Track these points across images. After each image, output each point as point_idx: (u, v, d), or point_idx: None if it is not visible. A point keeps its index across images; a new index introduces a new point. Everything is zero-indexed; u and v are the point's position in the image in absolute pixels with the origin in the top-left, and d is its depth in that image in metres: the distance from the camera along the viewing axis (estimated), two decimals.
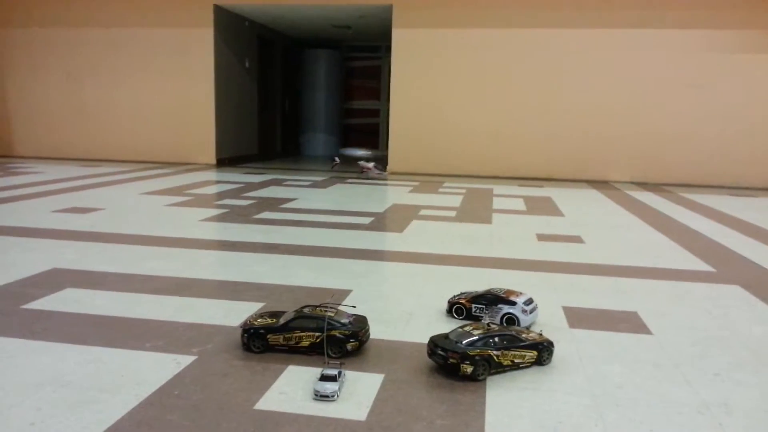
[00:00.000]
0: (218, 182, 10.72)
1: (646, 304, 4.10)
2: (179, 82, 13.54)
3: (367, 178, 9.32)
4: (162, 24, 13.42)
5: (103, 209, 7.40)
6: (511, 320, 3.52)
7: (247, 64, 14.99)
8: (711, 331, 3.65)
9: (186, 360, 3.00)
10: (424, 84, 12.83)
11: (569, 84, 12.34)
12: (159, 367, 2.91)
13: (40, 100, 14.22)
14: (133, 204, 8.01)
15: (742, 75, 11.78)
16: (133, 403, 2.55)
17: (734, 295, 4.45)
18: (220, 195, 9.13)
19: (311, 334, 3.06)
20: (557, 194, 10.07)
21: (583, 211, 8.54)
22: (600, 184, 11.77)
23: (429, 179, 11.87)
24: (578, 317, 3.81)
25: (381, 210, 8.07)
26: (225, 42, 13.73)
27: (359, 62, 18.92)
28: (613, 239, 6.53)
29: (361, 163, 9.67)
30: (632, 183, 12.15)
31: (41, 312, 3.64)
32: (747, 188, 11.76)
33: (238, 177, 11.40)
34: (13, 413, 2.45)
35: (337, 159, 10.43)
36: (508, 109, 12.63)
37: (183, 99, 13.57)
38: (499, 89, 12.60)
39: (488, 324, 3.11)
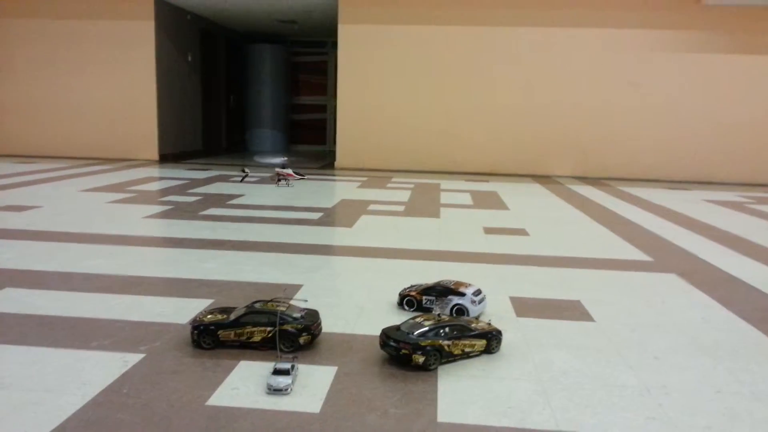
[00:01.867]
0: (162, 178, 10.47)
1: (588, 293, 4.25)
2: (119, 76, 13.14)
3: (287, 186, 9.12)
4: (101, 16, 12.99)
5: (41, 207, 7.12)
6: (461, 311, 3.59)
7: (189, 59, 14.67)
8: (650, 317, 3.81)
9: (134, 358, 2.94)
10: (371, 80, 12.86)
11: (512, 81, 12.60)
12: (105, 367, 2.84)
13: None
14: (73, 201, 7.74)
15: (678, 73, 12.29)
16: (79, 403, 2.48)
17: (671, 283, 4.66)
18: (164, 191, 8.92)
19: (263, 329, 3.05)
20: (502, 189, 10.28)
21: (528, 204, 8.75)
22: (543, 179, 12.08)
23: (377, 174, 11.92)
24: (525, 307, 3.91)
25: (330, 205, 8.06)
26: (166, 35, 13.40)
27: (306, 57, 18.78)
28: (556, 232, 6.72)
29: (278, 170, 9.32)
30: (573, 177, 12.51)
31: None
32: (681, 182, 12.29)
33: (182, 173, 11.16)
34: None
35: (246, 170, 9.95)
36: (454, 106, 12.80)
37: (123, 93, 13.18)
38: (445, 86, 12.75)
39: (439, 315, 3.17)
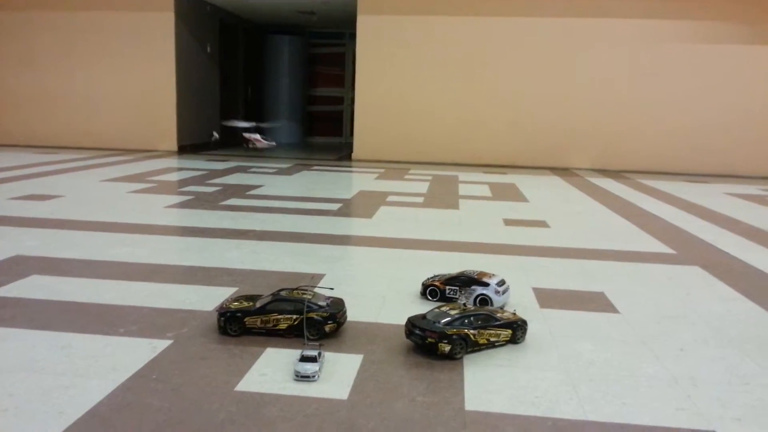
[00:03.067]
0: (181, 169, 10.54)
1: (611, 285, 4.22)
2: (139, 68, 13.22)
3: (255, 150, 8.86)
4: (121, 7, 13.06)
5: (63, 196, 7.20)
6: (485, 301, 3.58)
7: (209, 50, 14.71)
8: (674, 309, 3.78)
9: (162, 344, 2.97)
10: (389, 71, 12.83)
11: (532, 73, 12.50)
12: (134, 352, 2.87)
13: None
14: (94, 191, 7.82)
15: (698, 65, 12.13)
16: (110, 387, 2.52)
17: (694, 275, 4.61)
18: (184, 182, 8.98)
19: (289, 316, 3.06)
20: (521, 181, 10.22)
21: (547, 197, 8.70)
22: (562, 171, 11.99)
23: (394, 166, 11.90)
24: (548, 298, 3.90)
25: (348, 196, 8.07)
26: (186, 26, 13.45)
27: (323, 49, 18.75)
28: (577, 224, 6.68)
29: (247, 135, 9.08)
30: (593, 170, 12.41)
31: (7, 299, 3.54)
32: (702, 174, 12.14)
33: (201, 164, 11.22)
34: None
35: (215, 134, 9.67)
36: (472, 97, 12.73)
37: (143, 85, 13.26)
38: (463, 77, 12.68)
39: (464, 304, 3.16)
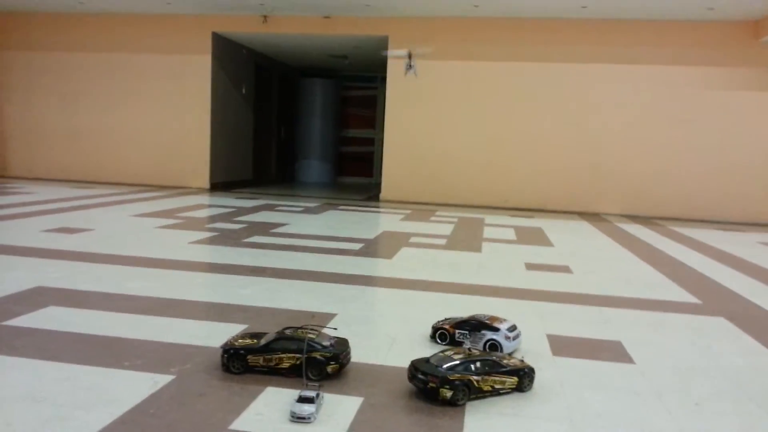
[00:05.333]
0: (210, 206, 10.72)
1: (630, 334, 4.09)
2: (175, 107, 13.64)
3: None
4: (160, 50, 13.58)
5: (92, 230, 7.38)
6: (494, 346, 3.51)
7: (243, 91, 15.12)
8: (693, 361, 3.64)
9: (164, 379, 2.98)
10: (418, 114, 12.96)
11: (562, 117, 12.48)
12: (135, 386, 2.88)
13: (36, 122, 14.27)
14: (123, 226, 8.00)
15: (731, 110, 11.95)
16: (106, 420, 2.52)
17: (719, 326, 4.45)
18: (212, 218, 9.12)
19: (292, 355, 3.04)
20: (548, 225, 10.11)
21: (573, 242, 8.57)
22: (591, 217, 11.82)
23: (421, 207, 11.91)
24: (562, 345, 3.79)
25: (371, 236, 8.08)
26: (222, 69, 13.88)
27: (355, 91, 19.12)
28: (601, 270, 6.54)
29: None
30: (623, 216, 12.20)
31: (21, 329, 3.61)
32: (737, 223, 11.82)
33: (230, 201, 11.41)
34: None
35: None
36: (500, 140, 12.75)
37: (179, 123, 13.65)
38: (492, 120, 12.73)
39: (469, 349, 3.10)
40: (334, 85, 18.55)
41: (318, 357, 3.02)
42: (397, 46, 12.83)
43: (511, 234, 8.85)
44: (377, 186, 13.58)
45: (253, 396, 2.84)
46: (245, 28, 13.34)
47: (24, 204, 9.50)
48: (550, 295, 5.15)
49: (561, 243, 8.23)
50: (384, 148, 13.26)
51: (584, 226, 10.33)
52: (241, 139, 15.36)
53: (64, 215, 8.50)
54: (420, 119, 12.96)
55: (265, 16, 13.06)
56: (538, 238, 8.60)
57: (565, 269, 6.34)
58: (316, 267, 5.83)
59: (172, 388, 2.88)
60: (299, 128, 18.45)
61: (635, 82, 12.16)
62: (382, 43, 13.01)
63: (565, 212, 12.36)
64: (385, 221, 10.02)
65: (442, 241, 7.84)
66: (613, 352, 3.72)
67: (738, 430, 2.73)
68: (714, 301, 5.28)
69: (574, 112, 12.43)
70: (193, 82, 13.49)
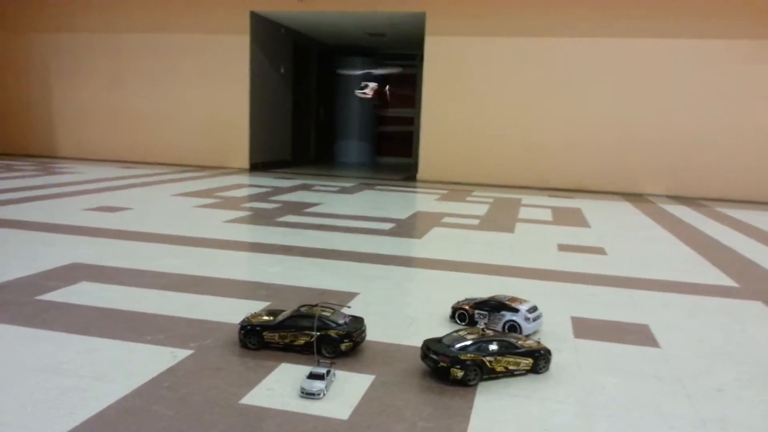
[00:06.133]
0: (248, 186, 10.87)
1: (658, 317, 3.98)
2: (215, 88, 13.82)
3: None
4: (200, 30, 13.73)
5: (132, 209, 7.58)
6: (513, 327, 3.46)
7: (282, 71, 15.20)
8: (722, 346, 3.52)
9: (182, 354, 3.05)
10: (456, 92, 12.80)
11: (604, 94, 12.13)
12: (155, 360, 2.96)
13: (82, 103, 14.68)
14: (162, 205, 8.19)
15: None
16: (123, 392, 2.60)
17: (755, 311, 4.29)
18: (248, 198, 9.25)
19: (306, 333, 3.07)
20: (587, 206, 9.88)
21: (611, 223, 8.36)
22: (633, 197, 11.50)
23: (458, 188, 11.81)
24: (585, 328, 3.72)
25: (404, 216, 8.06)
26: (261, 48, 13.96)
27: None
28: (637, 252, 6.37)
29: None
30: (667, 196, 11.84)
31: (53, 303, 3.74)
32: None
33: (268, 181, 11.54)
34: (9, 396, 2.53)
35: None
36: (540, 119, 12.49)
37: (219, 104, 13.84)
38: (531, 98, 12.47)
39: (483, 329, 3.07)
40: (373, 64, 18.43)
41: (332, 334, 3.04)
42: (435, 24, 12.69)
43: (547, 215, 8.69)
44: (416, 166, 13.51)
45: (267, 372, 2.88)
46: (283, 6, 13.36)
47: (69, 183, 9.82)
48: (580, 277, 5.05)
49: (598, 224, 8.05)
50: (421, 128, 13.16)
51: (625, 207, 10.07)
52: (281, 120, 15.48)
53: (106, 194, 8.75)
54: (457, 98, 12.80)
55: None
56: (575, 218, 8.43)
57: (599, 251, 6.20)
58: (344, 246, 5.86)
59: (190, 363, 2.95)
60: (338, 108, 18.47)
61: (680, 59, 11.69)
62: (420, 21, 12.86)
63: (607, 192, 12.06)
64: (420, 201, 9.98)
65: (475, 222, 7.76)
66: (638, 335, 3.63)
67: (760, 416, 2.63)
68: (753, 285, 5.08)
69: (618, 89, 12.05)
70: (233, 62, 13.62)
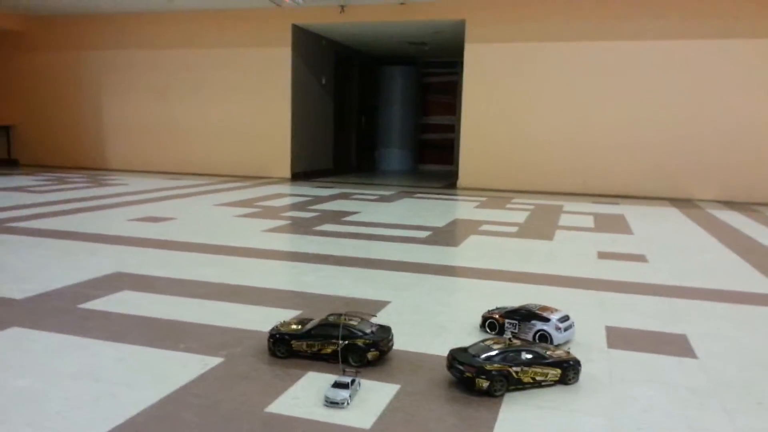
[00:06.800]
0: (288, 195, 11.03)
1: (698, 327, 3.86)
2: (258, 99, 14.09)
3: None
4: (242, 44, 14.04)
5: (175, 219, 7.79)
6: (544, 337, 3.41)
7: (323, 82, 15.38)
8: (765, 358, 3.38)
9: (213, 361, 3.11)
10: (496, 98, 12.70)
11: (648, 95, 11.84)
12: (186, 367, 3.03)
13: (131, 117, 15.18)
14: (204, 215, 8.39)
15: None
16: (153, 399, 2.67)
17: None
18: (288, 207, 9.38)
19: (333, 341, 3.10)
20: (632, 212, 9.65)
21: (655, 229, 8.14)
22: (681, 203, 11.17)
23: (499, 195, 11.70)
24: (620, 337, 3.63)
25: (441, 224, 8.03)
26: (302, 60, 14.18)
27: (436, 78, 18.98)
28: (680, 259, 6.18)
29: None
30: (718, 202, 11.45)
31: (94, 311, 3.88)
32: None
33: (308, 190, 11.68)
34: (44, 401, 2.63)
35: None
36: (582, 124, 12.27)
37: (261, 115, 14.10)
38: (572, 103, 12.27)
39: (510, 339, 3.03)
40: (414, 72, 18.50)
41: (358, 343, 3.06)
42: (475, 31, 12.65)
43: (588, 221, 8.53)
44: (457, 173, 13.46)
45: (294, 380, 2.91)
46: (323, 18, 13.54)
47: (116, 195, 10.15)
48: (618, 285, 4.94)
49: (641, 231, 7.85)
50: (461, 135, 13.11)
51: (671, 213, 9.79)
52: (322, 129, 15.66)
53: (151, 205, 9.02)
54: (498, 104, 12.70)
55: (342, 6, 13.19)
56: (617, 225, 8.24)
57: (640, 258, 6.04)
58: (379, 255, 5.88)
59: (220, 370, 3.01)
60: (379, 116, 18.57)
61: (729, 59, 11.32)
62: (461, 29, 12.83)
63: (654, 198, 11.76)
64: (459, 209, 9.93)
65: (514, 229, 7.68)
66: (675, 345, 3.52)
67: None
68: None
69: (663, 92, 11.75)
70: (275, 74, 13.87)
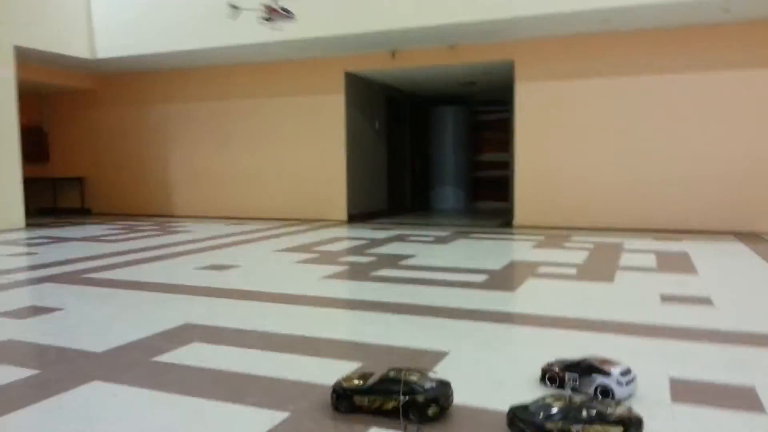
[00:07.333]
0: (346, 238, 11.25)
1: None
2: (314, 145, 14.54)
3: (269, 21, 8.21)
4: (298, 93, 14.58)
5: (239, 266, 8.09)
6: (606, 392, 3.40)
7: (377, 126, 15.74)
8: None
9: (280, 416, 3.24)
10: (549, 135, 12.70)
11: (709, 127, 11.59)
12: (254, 422, 3.16)
13: (195, 165, 15.89)
14: (266, 261, 8.66)
15: None
16: None
17: None
18: (346, 252, 9.58)
19: (395, 397, 3.18)
20: (696, 249, 9.40)
21: (721, 268, 7.91)
22: (748, 237, 10.80)
23: (556, 233, 11.60)
24: (684, 390, 3.57)
25: (498, 267, 8.03)
26: (355, 105, 14.58)
27: (487, 116, 19.13)
28: (748, 302, 6.00)
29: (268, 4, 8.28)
30: None
31: (166, 365, 4.09)
32: None
33: (365, 233, 11.88)
34: None
35: (235, 5, 8.41)
36: (640, 157, 12.09)
37: (317, 160, 14.52)
38: (629, 136, 12.13)
39: (570, 396, 3.04)
40: (465, 111, 18.69)
41: (418, 399, 3.13)
42: (524, 70, 12.76)
43: (650, 260, 8.36)
44: (512, 211, 13.43)
45: None
46: (375, 65, 13.96)
47: (183, 243, 10.60)
48: (683, 333, 4.84)
49: (707, 270, 7.64)
50: (516, 173, 13.12)
51: (738, 248, 9.48)
52: (376, 171, 15.95)
53: (215, 252, 9.38)
54: (551, 140, 12.69)
55: (393, 52, 13.57)
56: (681, 264, 8.05)
57: (706, 301, 5.89)
58: (437, 301, 5.95)
59: (287, 426, 3.13)
60: (432, 156, 18.77)
61: None
62: (510, 68, 12.97)
63: (718, 232, 11.41)
64: (516, 249, 9.90)
65: (573, 271, 7.61)
66: (742, 399, 3.44)
67: None
68: None
69: (725, 122, 11.49)
70: (329, 120, 14.31)
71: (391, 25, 11.80)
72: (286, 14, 9.33)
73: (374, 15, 11.86)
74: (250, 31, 12.47)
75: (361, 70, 14.29)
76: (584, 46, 12.28)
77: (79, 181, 17.22)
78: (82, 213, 17.04)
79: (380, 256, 8.89)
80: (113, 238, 11.36)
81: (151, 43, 13.86)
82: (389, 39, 12.58)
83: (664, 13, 10.66)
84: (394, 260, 8.46)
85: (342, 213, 14.38)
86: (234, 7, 9.56)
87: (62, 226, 13.83)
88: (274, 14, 9.15)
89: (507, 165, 18.67)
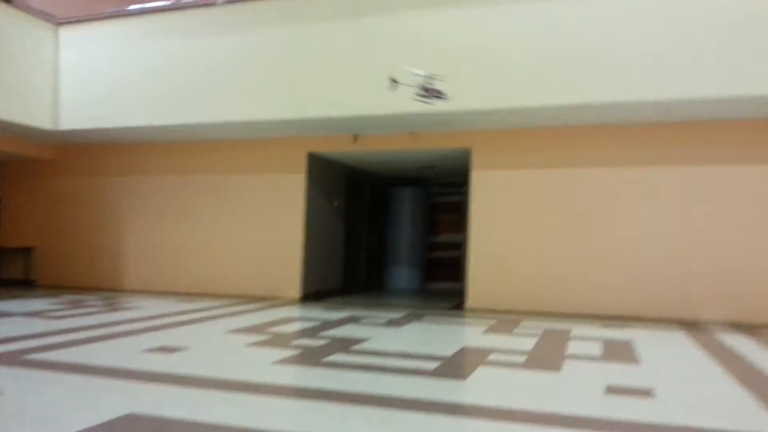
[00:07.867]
0: (299, 319, 11.19)
1: None
2: (271, 222, 14.64)
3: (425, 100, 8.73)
4: (259, 170, 14.80)
5: (189, 348, 7.95)
6: None
7: (335, 204, 15.99)
8: None
9: None
10: (503, 221, 13.13)
11: (655, 219, 12.21)
12: None
13: (147, 238, 15.72)
14: (217, 343, 8.54)
15: None
16: None
17: None
18: (298, 334, 9.53)
19: None
20: (640, 337, 9.70)
21: (662, 358, 8.17)
22: (689, 325, 11.21)
23: (507, 317, 11.80)
24: None
25: (449, 353, 8.11)
26: (316, 184, 14.85)
27: (443, 198, 19.66)
28: (686, 394, 6.21)
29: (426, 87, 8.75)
30: (726, 323, 11.48)
31: None
32: None
33: (318, 314, 11.85)
34: None
35: (395, 81, 9.18)
36: (590, 246, 12.58)
37: (273, 238, 14.59)
38: (580, 224, 12.65)
39: None
40: (422, 193, 19.19)
41: None
42: (480, 157, 13.30)
43: (596, 349, 8.59)
44: (464, 292, 13.64)
45: None
46: (337, 147, 14.35)
47: (131, 320, 10.37)
48: (625, 426, 4.98)
49: (649, 359, 7.89)
50: (469, 257, 13.43)
51: (679, 338, 9.82)
52: (333, 249, 16.07)
53: (165, 332, 9.20)
54: (505, 227, 13.12)
55: (355, 136, 14.02)
56: (625, 353, 8.30)
57: (647, 393, 6.09)
58: (387, 390, 5.97)
59: None
60: (388, 236, 19.06)
61: (734, 183, 11.79)
62: (466, 154, 13.51)
63: (661, 319, 11.81)
64: (467, 334, 10.02)
65: (522, 359, 7.75)
66: None
67: None
68: None
69: (669, 215, 12.13)
70: (289, 198, 14.51)
71: (355, 112, 12.24)
72: (439, 96, 10.05)
73: (338, 101, 12.31)
74: (212, 110, 12.77)
75: (324, 152, 14.65)
76: (539, 138, 12.94)
77: (26, 251, 16.77)
78: (25, 285, 16.49)
79: (333, 339, 8.88)
80: (58, 314, 11.03)
81: (115, 116, 13.96)
82: (352, 124, 13.02)
83: (607, 112, 11.41)
84: (346, 344, 8.46)
85: (296, 291, 14.35)
86: (394, 81, 10.32)
87: (2, 299, 13.35)
88: (429, 93, 9.90)
89: (461, 246, 19.09)
